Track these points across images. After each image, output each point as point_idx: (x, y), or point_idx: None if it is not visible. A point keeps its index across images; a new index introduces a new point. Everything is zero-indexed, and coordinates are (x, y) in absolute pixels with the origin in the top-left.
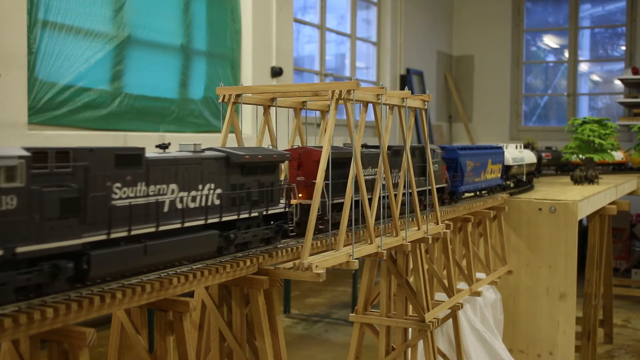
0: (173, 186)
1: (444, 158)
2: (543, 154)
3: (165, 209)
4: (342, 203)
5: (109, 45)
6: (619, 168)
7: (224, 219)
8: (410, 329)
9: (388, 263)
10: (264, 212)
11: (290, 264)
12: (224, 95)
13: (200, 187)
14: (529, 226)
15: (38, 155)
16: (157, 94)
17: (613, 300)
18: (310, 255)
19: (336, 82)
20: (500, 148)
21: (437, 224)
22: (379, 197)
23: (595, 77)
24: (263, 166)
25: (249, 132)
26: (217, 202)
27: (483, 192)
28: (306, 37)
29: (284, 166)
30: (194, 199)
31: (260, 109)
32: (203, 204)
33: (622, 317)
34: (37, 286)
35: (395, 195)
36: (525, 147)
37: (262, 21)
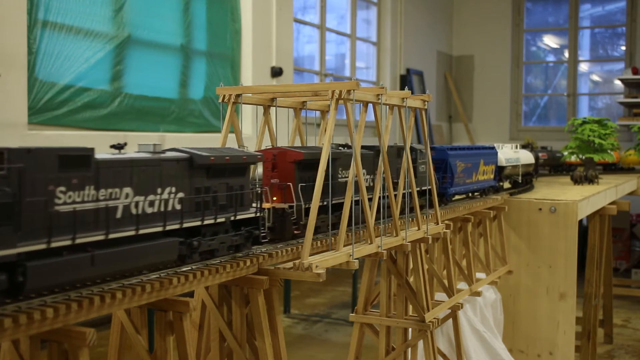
0: (127, 190)
1: (433, 159)
2: (540, 154)
3: (118, 215)
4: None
5: (109, 45)
6: (610, 168)
7: (186, 225)
8: (410, 329)
9: (388, 263)
10: (232, 218)
11: (290, 264)
12: (224, 95)
13: (159, 190)
14: (529, 226)
15: None
16: (157, 94)
17: (613, 300)
18: (310, 255)
19: (336, 82)
20: (493, 148)
21: (437, 224)
22: (379, 198)
23: (595, 77)
24: (231, 168)
25: (249, 132)
26: (178, 207)
27: (475, 194)
28: (306, 37)
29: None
30: (151, 203)
31: (260, 109)
32: (162, 209)
33: (622, 317)
34: None
35: (374, 197)
36: (525, 147)
37: (262, 21)
